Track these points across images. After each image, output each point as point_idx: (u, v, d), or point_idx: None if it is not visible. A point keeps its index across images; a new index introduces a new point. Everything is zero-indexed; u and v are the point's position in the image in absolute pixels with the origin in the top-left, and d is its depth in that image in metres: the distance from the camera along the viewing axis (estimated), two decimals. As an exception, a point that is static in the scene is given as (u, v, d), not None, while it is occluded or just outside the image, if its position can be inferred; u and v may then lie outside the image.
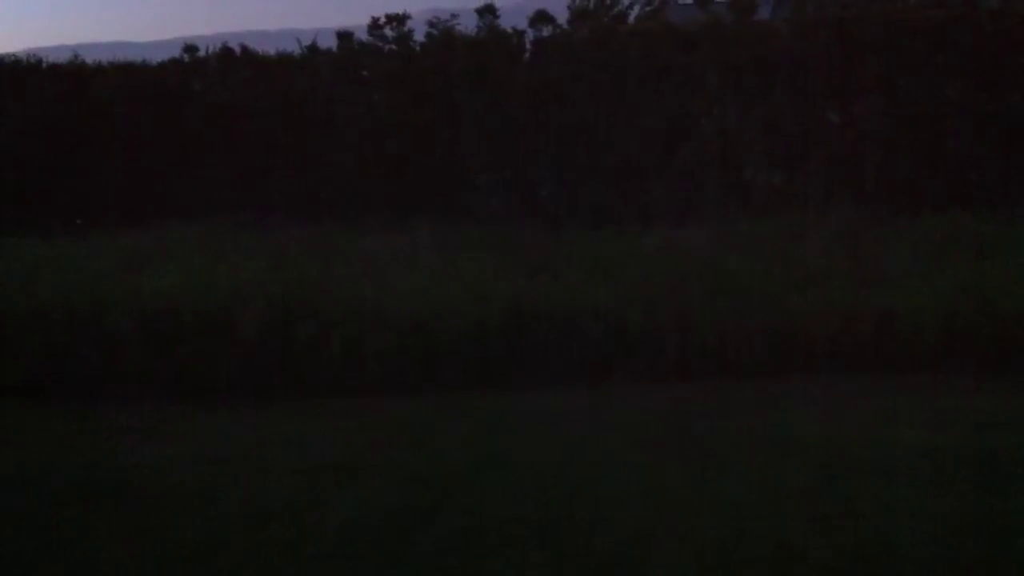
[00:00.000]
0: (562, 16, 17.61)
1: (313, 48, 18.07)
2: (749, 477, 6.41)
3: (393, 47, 18.00)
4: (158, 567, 5.25)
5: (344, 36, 18.32)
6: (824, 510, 5.77)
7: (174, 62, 18.09)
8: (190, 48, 18.33)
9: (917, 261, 10.38)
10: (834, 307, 9.50)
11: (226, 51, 18.12)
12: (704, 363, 9.40)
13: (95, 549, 5.53)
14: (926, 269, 10.13)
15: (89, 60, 18.16)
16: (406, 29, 18.28)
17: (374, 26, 18.45)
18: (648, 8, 17.90)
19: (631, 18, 17.78)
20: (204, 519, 5.94)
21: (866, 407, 8.21)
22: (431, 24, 18.05)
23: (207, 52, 18.17)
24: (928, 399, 8.41)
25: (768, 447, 7.08)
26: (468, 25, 17.98)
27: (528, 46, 17.21)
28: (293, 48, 18.02)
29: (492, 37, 17.32)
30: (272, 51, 18.14)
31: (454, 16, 17.99)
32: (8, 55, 18.35)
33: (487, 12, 18.03)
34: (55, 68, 18.00)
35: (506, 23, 17.97)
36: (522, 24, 17.64)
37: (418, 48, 17.70)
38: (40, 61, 18.09)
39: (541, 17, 17.57)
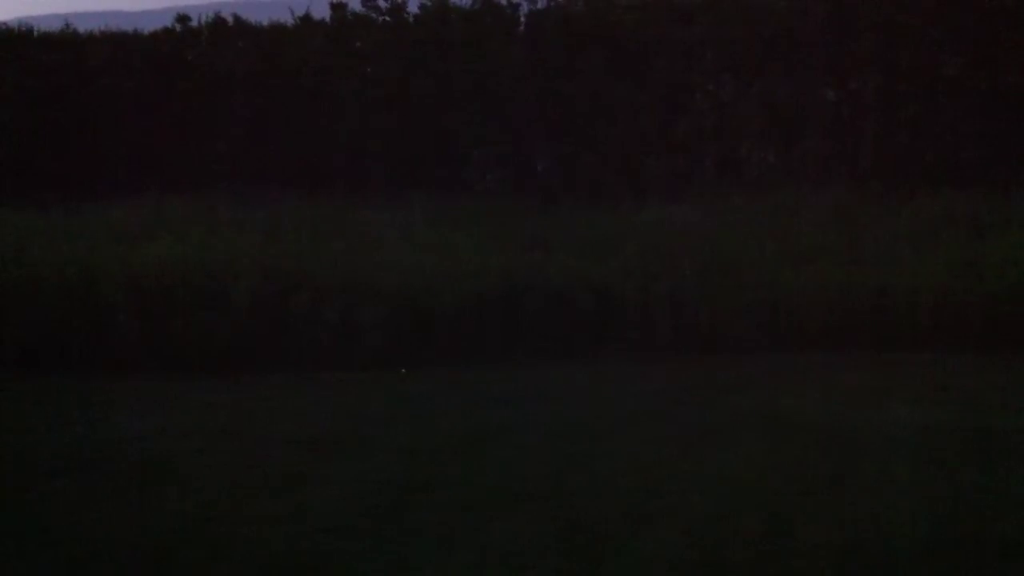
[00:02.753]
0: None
1: (306, 18, 17.96)
2: (742, 452, 6.43)
3: (387, 18, 17.89)
4: (150, 538, 5.23)
5: (337, 6, 18.21)
6: (815, 485, 5.79)
7: (167, 31, 17.95)
8: (182, 18, 18.21)
9: (912, 239, 10.38)
10: (828, 284, 9.52)
11: (219, 21, 18.00)
12: (698, 338, 9.44)
13: (85, 520, 5.51)
14: (921, 247, 10.13)
15: (81, 29, 18.01)
16: (399, 0, 18.18)
17: (368, -3, 18.33)
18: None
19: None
20: (197, 491, 5.93)
21: (859, 384, 8.25)
22: (425, -5, 17.93)
23: (199, 22, 18.05)
24: (922, 376, 8.45)
25: (761, 423, 7.10)
26: (463, -4, 17.85)
27: (522, 18, 17.10)
28: (286, 18, 17.90)
29: (486, 9, 17.20)
30: (265, 21, 18.01)
31: (448, -13, 17.86)
32: (-1, 23, 18.19)
33: (480, -17, 17.90)
34: (47, 37, 17.84)
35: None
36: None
37: (412, 19, 17.59)
38: (32, 30, 17.93)
39: (536, -12, 17.44)
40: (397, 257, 10.02)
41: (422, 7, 17.81)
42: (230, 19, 17.97)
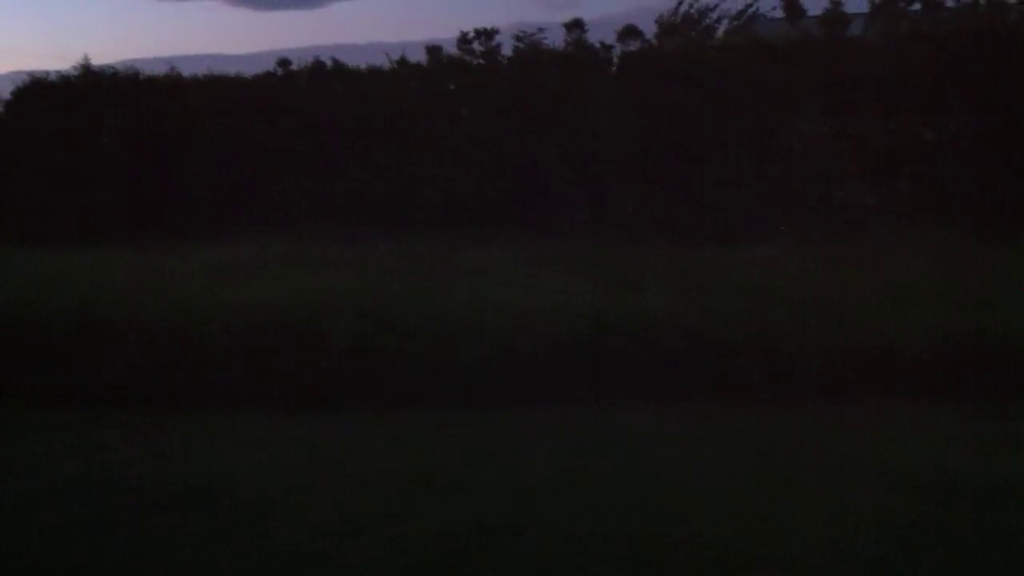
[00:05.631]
0: (650, 30, 17.63)
1: (403, 62, 18.32)
2: (841, 503, 6.28)
3: (481, 61, 18.16)
4: (250, 572, 5.32)
5: (433, 50, 18.56)
6: (919, 539, 5.64)
7: (267, 75, 18.45)
8: (283, 62, 18.69)
9: (1014, 282, 10.11)
10: (927, 328, 9.29)
11: (318, 65, 18.44)
12: (791, 383, 9.24)
13: (186, 555, 5.62)
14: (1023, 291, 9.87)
15: (185, 72, 18.57)
16: (494, 43, 18.45)
17: (463, 40, 18.66)
18: (736, 22, 17.79)
19: (719, 32, 17.69)
20: (292, 529, 6.01)
21: (962, 432, 8.02)
22: (518, 38, 18.18)
23: (299, 66, 18.50)
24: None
25: (862, 472, 6.94)
26: (555, 39, 18.08)
27: (615, 60, 17.22)
28: (382, 61, 18.28)
29: (579, 51, 17.35)
30: (362, 64, 18.42)
31: (541, 30, 18.12)
32: (107, 67, 18.83)
33: (575, 26, 18.11)
34: (152, 80, 18.43)
35: (593, 36, 18.02)
36: (609, 37, 17.68)
37: (505, 62, 17.83)
38: (137, 73, 18.54)
39: (629, 31, 17.58)
40: (487, 296, 10.08)
41: (515, 49, 18.06)
42: (329, 63, 18.41)
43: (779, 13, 18.61)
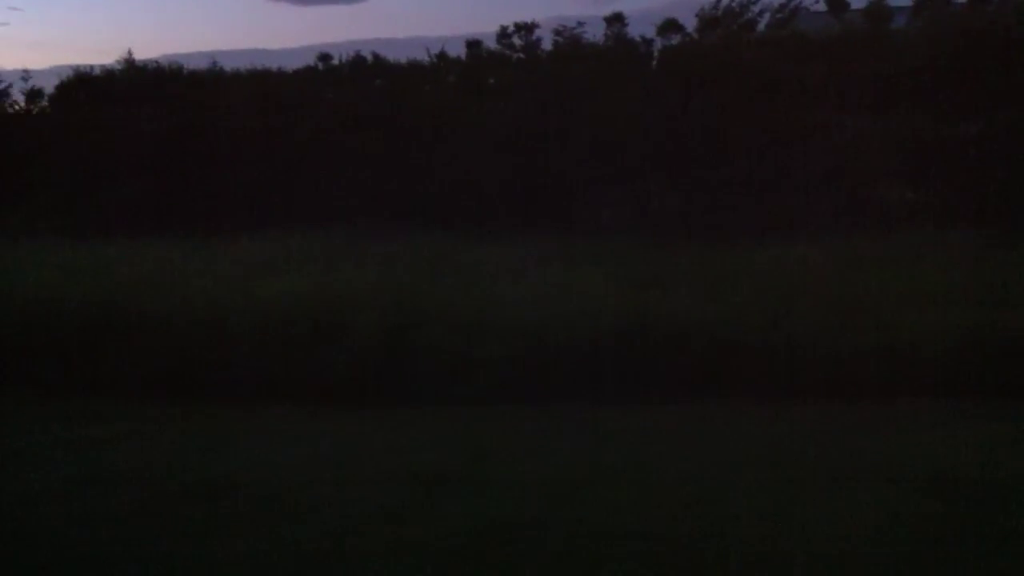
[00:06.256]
0: (691, 23, 17.51)
1: (442, 56, 18.35)
2: (863, 503, 6.24)
3: (521, 55, 18.15)
4: (268, 566, 5.40)
5: (473, 44, 18.58)
6: (939, 539, 5.59)
7: (308, 70, 18.55)
8: (323, 56, 18.80)
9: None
10: (955, 328, 9.20)
11: (358, 59, 18.53)
12: (819, 383, 9.16)
13: (212, 545, 5.70)
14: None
15: (226, 67, 18.75)
16: (534, 38, 18.43)
17: (502, 35, 18.66)
18: (779, 16, 17.63)
19: (761, 26, 17.54)
20: (313, 522, 6.07)
21: (987, 432, 7.94)
22: (558, 32, 18.14)
23: (340, 60, 18.60)
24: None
25: (882, 472, 6.90)
26: (596, 33, 18.01)
27: (655, 55, 17.13)
28: (423, 56, 18.33)
29: (619, 46, 17.28)
30: (402, 59, 18.49)
31: (581, 24, 18.05)
32: (150, 61, 19.07)
33: (615, 20, 18.05)
34: (194, 75, 18.63)
35: (634, 30, 17.94)
36: (650, 30, 17.59)
37: (544, 56, 17.80)
38: (181, 67, 18.76)
39: (669, 25, 17.49)
40: (514, 294, 10.11)
41: (555, 43, 18.03)
42: (369, 58, 18.49)
43: (822, 7, 18.43)
